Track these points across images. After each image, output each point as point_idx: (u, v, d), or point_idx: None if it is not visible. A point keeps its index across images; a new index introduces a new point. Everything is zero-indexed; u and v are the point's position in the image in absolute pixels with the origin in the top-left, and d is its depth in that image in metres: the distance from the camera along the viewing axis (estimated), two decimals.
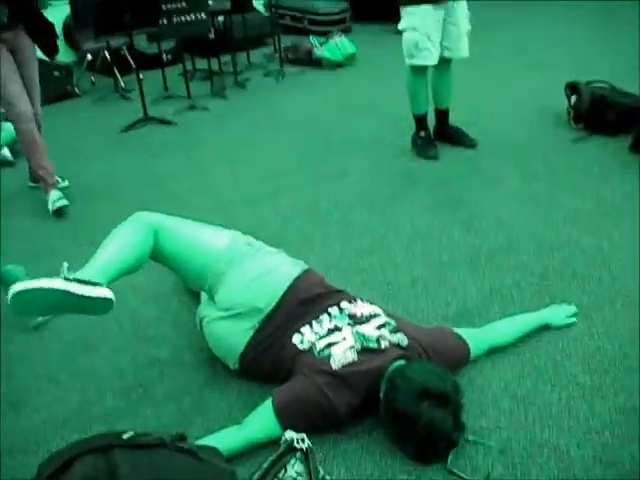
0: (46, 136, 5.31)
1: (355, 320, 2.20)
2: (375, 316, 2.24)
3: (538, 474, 1.92)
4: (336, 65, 7.03)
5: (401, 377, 1.98)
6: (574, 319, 2.56)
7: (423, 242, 3.25)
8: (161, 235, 2.24)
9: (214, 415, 2.23)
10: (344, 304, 2.27)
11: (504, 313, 2.64)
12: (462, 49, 4.10)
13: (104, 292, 1.94)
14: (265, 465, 1.79)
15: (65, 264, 2.00)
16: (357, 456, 2.02)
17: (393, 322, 2.23)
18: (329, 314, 2.23)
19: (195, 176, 4.37)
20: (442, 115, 4.44)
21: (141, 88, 5.55)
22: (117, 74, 6.65)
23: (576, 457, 1.97)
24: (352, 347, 2.09)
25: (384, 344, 2.12)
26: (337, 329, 2.16)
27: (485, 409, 2.17)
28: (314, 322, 2.21)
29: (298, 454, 1.81)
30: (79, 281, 1.92)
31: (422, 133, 4.37)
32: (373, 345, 2.10)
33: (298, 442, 1.82)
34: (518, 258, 3.04)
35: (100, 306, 1.95)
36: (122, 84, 6.67)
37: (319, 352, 2.10)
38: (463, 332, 2.36)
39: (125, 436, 1.74)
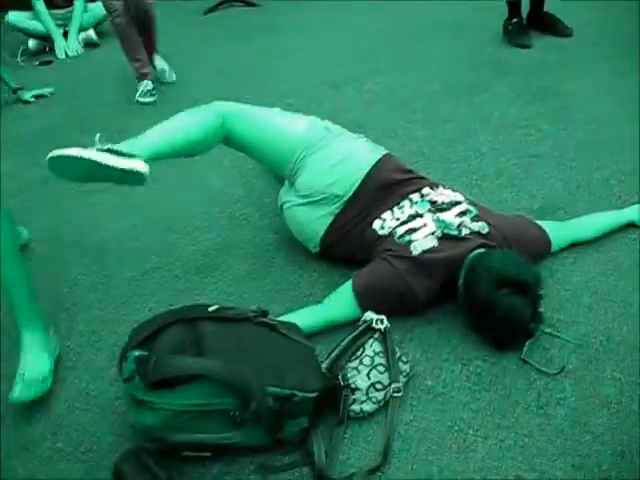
0: None
1: (436, 207, 2.18)
2: (457, 203, 2.20)
3: (613, 370, 1.91)
4: None
5: (480, 264, 1.98)
6: None
7: (510, 132, 3.16)
8: (237, 123, 2.23)
9: (295, 294, 2.28)
10: (426, 190, 2.24)
11: (590, 209, 2.56)
12: None
13: (137, 164, 1.93)
14: (344, 343, 1.84)
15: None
16: (433, 339, 2.05)
17: (475, 210, 2.20)
18: (410, 200, 2.21)
19: (277, 59, 4.33)
20: (537, 1, 4.21)
21: None
22: None
23: None
24: (433, 233, 2.08)
25: (465, 232, 2.10)
26: (418, 215, 2.15)
27: (564, 303, 2.16)
28: (395, 208, 2.19)
29: (377, 334, 1.86)
30: (113, 152, 1.92)
31: (515, 19, 4.17)
32: (454, 232, 2.09)
33: (377, 323, 1.86)
34: (608, 154, 2.92)
35: (132, 178, 1.94)
36: None
37: (399, 237, 2.10)
38: (545, 224, 2.32)
39: (211, 309, 1.81)
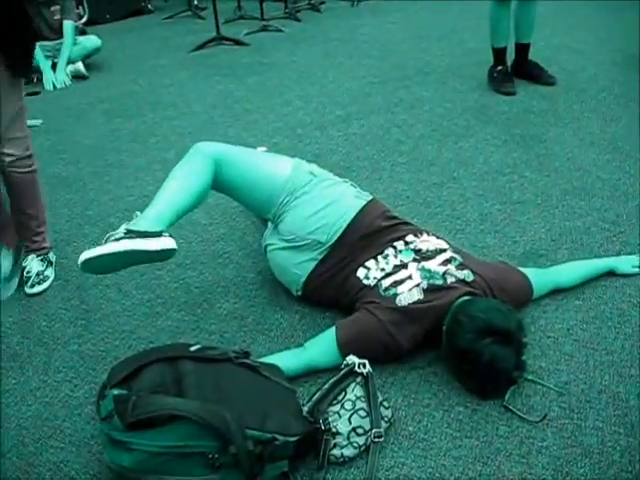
0: (118, 52, 5.39)
1: (421, 255, 2.18)
2: (442, 251, 2.21)
3: (595, 419, 1.91)
4: None
5: (465, 313, 1.97)
6: None
7: (494, 178, 3.19)
8: (223, 166, 2.21)
9: (276, 334, 2.27)
10: (410, 237, 2.24)
11: (572, 257, 2.59)
12: None
13: (168, 243, 1.96)
14: (326, 387, 1.82)
15: (138, 213, 2.04)
16: (415, 385, 2.04)
17: (459, 258, 2.20)
18: (394, 248, 2.21)
19: (265, 98, 4.36)
20: (522, 49, 4.28)
21: (215, 7, 5.52)
22: None
23: (635, 406, 1.94)
24: (418, 285, 2.08)
25: (450, 280, 2.10)
26: (403, 266, 2.14)
27: (546, 350, 2.16)
28: (379, 257, 2.19)
29: (359, 379, 1.84)
30: (142, 234, 1.93)
31: (500, 67, 4.24)
32: (439, 282, 2.09)
33: (359, 367, 1.85)
34: (591, 202, 2.96)
35: (164, 256, 1.98)
36: (195, 2, 6.64)
37: (384, 290, 2.09)
38: (527, 271, 2.33)
39: (192, 348, 1.80)
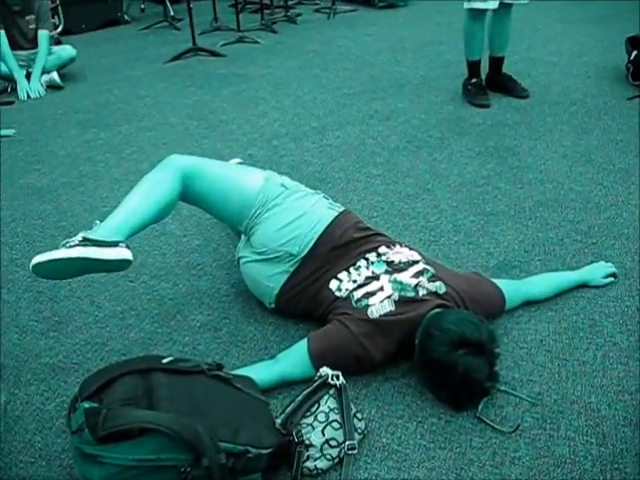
0: (93, 62, 5.37)
1: (393, 267, 2.18)
2: (414, 263, 2.21)
3: (567, 429, 1.92)
4: (389, 4, 6.88)
5: (437, 326, 1.98)
6: (612, 279, 2.53)
7: (468, 190, 3.22)
8: (194, 179, 2.20)
9: (250, 346, 2.26)
10: (382, 249, 2.25)
11: (545, 268, 2.62)
12: None
13: (122, 253, 1.94)
14: (299, 399, 1.82)
15: (97, 221, 2.03)
16: (388, 397, 2.04)
17: (431, 269, 2.21)
18: (367, 260, 2.21)
19: (241, 109, 4.36)
20: (496, 63, 4.33)
21: (191, 18, 5.52)
22: (167, 2, 6.59)
23: (606, 416, 1.96)
24: (390, 297, 2.08)
25: (422, 292, 2.11)
26: (375, 277, 2.15)
27: (519, 361, 2.17)
28: (352, 268, 2.19)
29: (332, 390, 1.84)
30: (97, 243, 1.92)
31: (474, 80, 4.28)
32: (410, 294, 2.09)
33: (332, 378, 1.85)
34: (563, 214, 2.99)
35: (118, 266, 1.96)
36: (172, 13, 6.62)
37: (356, 302, 2.09)
38: (500, 282, 2.35)
39: (165, 360, 1.79)
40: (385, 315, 2.05)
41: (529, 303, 2.40)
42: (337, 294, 2.15)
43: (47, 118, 4.37)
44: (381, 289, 2.10)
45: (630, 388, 2.06)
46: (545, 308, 2.40)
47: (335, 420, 1.80)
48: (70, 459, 1.80)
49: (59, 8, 6.02)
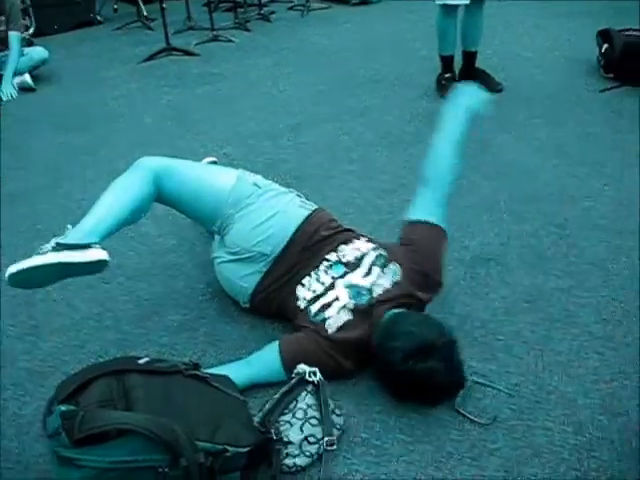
0: (66, 63, 5.33)
1: (349, 267, 2.16)
2: (365, 255, 2.19)
3: (544, 419, 1.94)
4: (363, 1, 6.89)
5: (383, 347, 1.95)
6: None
7: None
8: (165, 180, 2.20)
9: (227, 345, 2.26)
10: (341, 247, 2.22)
11: (522, 260, 2.64)
12: None
13: (96, 254, 1.94)
14: (277, 396, 1.82)
15: (69, 226, 2.02)
16: (367, 392, 2.04)
17: (384, 253, 2.19)
18: (327, 261, 2.19)
19: (216, 108, 4.35)
20: (469, 57, 4.35)
21: (164, 17, 5.50)
22: (140, 2, 6.55)
23: (583, 405, 1.98)
24: (345, 306, 2.06)
25: (376, 293, 2.08)
26: (331, 286, 2.12)
27: (496, 353, 2.18)
28: (313, 273, 2.18)
29: (309, 387, 1.84)
30: (70, 247, 1.91)
31: (447, 75, 4.30)
32: (365, 299, 2.07)
33: (310, 375, 1.85)
34: (538, 206, 3.01)
35: (94, 268, 1.96)
36: (145, 13, 6.59)
37: (314, 316, 2.08)
38: (424, 212, 2.31)
39: (141, 361, 1.77)
40: (343, 327, 2.03)
41: (505, 295, 2.43)
42: (299, 304, 2.15)
43: (20, 121, 4.33)
44: (337, 299, 2.09)
45: (605, 377, 2.08)
46: (521, 300, 2.42)
47: (313, 417, 1.81)
48: (48, 463, 1.78)
49: (30, 9, 5.97)
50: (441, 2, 3.98)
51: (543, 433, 1.90)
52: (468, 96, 2.51)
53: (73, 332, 2.36)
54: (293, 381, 1.85)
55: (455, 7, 4.00)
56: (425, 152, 3.48)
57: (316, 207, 2.37)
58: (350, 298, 2.08)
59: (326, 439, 1.79)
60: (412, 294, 2.14)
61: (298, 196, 2.40)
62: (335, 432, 1.83)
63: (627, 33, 4.46)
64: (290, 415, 1.79)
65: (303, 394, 1.83)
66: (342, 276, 2.15)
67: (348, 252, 2.21)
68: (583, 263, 2.62)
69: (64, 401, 1.62)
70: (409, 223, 2.32)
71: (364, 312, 2.06)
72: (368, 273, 2.14)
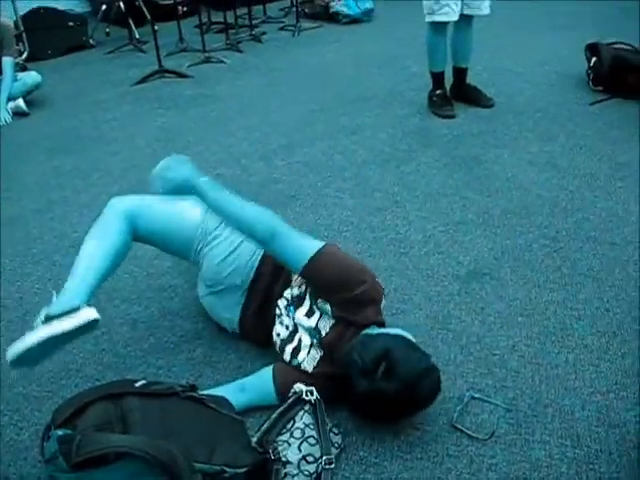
0: (59, 87, 5.35)
1: (296, 304, 2.13)
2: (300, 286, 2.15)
3: (542, 433, 1.95)
4: (353, 20, 6.94)
5: (348, 361, 1.90)
6: None
7: (436, 201, 3.24)
8: (137, 220, 2.19)
9: (224, 366, 2.26)
10: (294, 278, 2.16)
11: (515, 273, 2.65)
12: (483, 7, 4.02)
13: (87, 315, 1.93)
14: (274, 416, 1.82)
15: (54, 292, 2.02)
16: None
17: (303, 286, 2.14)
18: (285, 299, 2.16)
19: (209, 129, 4.36)
20: (460, 73, 4.38)
21: (156, 40, 5.51)
22: (132, 25, 6.57)
23: (580, 418, 1.99)
24: (312, 345, 2.05)
25: (324, 332, 2.02)
26: (295, 330, 2.11)
27: (492, 368, 2.19)
28: (277, 315, 2.16)
29: (307, 406, 1.85)
30: (59, 316, 1.91)
31: (439, 91, 4.33)
32: (319, 336, 2.03)
33: (307, 394, 1.85)
34: (531, 220, 3.03)
35: (87, 329, 1.95)
36: (137, 35, 6.61)
37: (289, 361, 2.08)
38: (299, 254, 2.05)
39: (137, 384, 1.78)
40: (319, 364, 2.02)
41: (500, 309, 2.45)
42: (274, 339, 2.15)
43: (14, 145, 4.33)
44: (300, 341, 2.08)
45: (602, 389, 2.09)
46: (516, 314, 2.43)
47: (311, 436, 1.81)
48: None
49: (24, 35, 6.00)
50: (431, 19, 4.01)
51: (541, 447, 1.90)
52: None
53: (69, 356, 2.35)
54: (290, 400, 1.85)
55: (445, 24, 4.03)
56: (417, 169, 3.54)
57: None
58: (311, 337, 2.06)
59: (324, 458, 1.79)
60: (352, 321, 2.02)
61: None
62: (333, 451, 1.83)
63: (615, 46, 4.51)
64: (288, 434, 1.80)
65: (300, 413, 1.83)
66: (296, 317, 2.11)
67: (294, 286, 2.16)
68: (577, 275, 2.64)
69: (61, 425, 1.63)
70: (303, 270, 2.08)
71: (327, 345, 2.02)
72: (308, 311, 2.09)
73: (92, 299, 2.02)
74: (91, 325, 1.94)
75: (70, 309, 1.92)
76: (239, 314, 2.24)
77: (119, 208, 2.21)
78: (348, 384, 1.88)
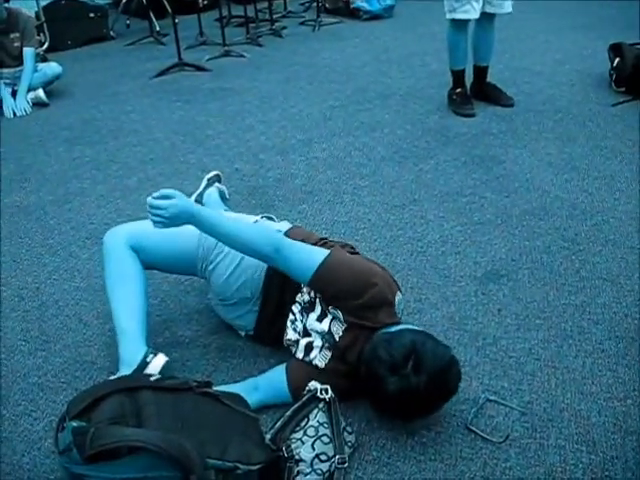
0: (79, 79, 5.37)
1: (307, 309, 2.10)
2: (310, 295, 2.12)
3: (557, 437, 1.93)
4: (374, 16, 6.91)
5: (368, 369, 1.89)
6: None
7: (455, 200, 3.22)
8: (139, 251, 2.21)
9: (239, 361, 2.26)
10: (303, 289, 2.12)
11: (533, 275, 2.63)
12: (505, 5, 3.99)
13: (158, 363, 2.02)
14: (288, 413, 1.81)
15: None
16: None
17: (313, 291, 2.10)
18: (298, 304, 2.13)
19: (227, 123, 4.36)
20: (480, 72, 4.35)
21: (176, 33, 5.51)
22: (153, 18, 6.58)
23: (596, 423, 1.97)
24: (323, 346, 2.02)
25: (337, 335, 1.99)
26: (306, 334, 2.08)
27: (508, 370, 2.17)
28: (289, 319, 2.14)
29: (321, 404, 1.83)
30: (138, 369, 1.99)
31: (459, 89, 4.30)
32: (334, 339, 2.00)
33: (321, 392, 1.84)
34: (550, 221, 3.00)
35: (164, 373, 1.99)
36: (157, 28, 6.62)
37: (302, 358, 2.06)
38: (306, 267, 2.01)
39: (152, 378, 1.78)
40: (331, 361, 2.00)
41: (517, 312, 2.43)
42: (288, 337, 2.14)
43: (33, 136, 4.36)
44: (312, 343, 2.05)
45: (619, 395, 2.07)
46: (533, 316, 2.41)
47: (325, 434, 1.80)
48: None
49: (44, 25, 6.02)
50: (451, 17, 3.99)
51: (556, 452, 1.88)
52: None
53: (85, 348, 2.37)
54: (305, 398, 1.84)
55: (466, 22, 4.00)
56: (436, 167, 3.52)
57: (289, 227, 2.30)
58: (323, 340, 2.03)
59: (337, 457, 1.79)
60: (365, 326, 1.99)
61: (269, 219, 2.39)
62: (347, 450, 1.82)
63: (638, 47, 4.46)
64: (302, 433, 1.79)
65: (315, 411, 1.82)
66: (308, 324, 2.09)
67: (304, 292, 2.12)
68: (595, 279, 2.61)
69: (76, 417, 1.63)
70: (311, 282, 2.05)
71: (339, 348, 2.00)
72: (322, 315, 2.06)
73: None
74: (167, 370, 2.01)
75: (139, 366, 2.01)
76: (254, 323, 2.24)
77: (121, 242, 2.22)
78: (371, 384, 1.87)
